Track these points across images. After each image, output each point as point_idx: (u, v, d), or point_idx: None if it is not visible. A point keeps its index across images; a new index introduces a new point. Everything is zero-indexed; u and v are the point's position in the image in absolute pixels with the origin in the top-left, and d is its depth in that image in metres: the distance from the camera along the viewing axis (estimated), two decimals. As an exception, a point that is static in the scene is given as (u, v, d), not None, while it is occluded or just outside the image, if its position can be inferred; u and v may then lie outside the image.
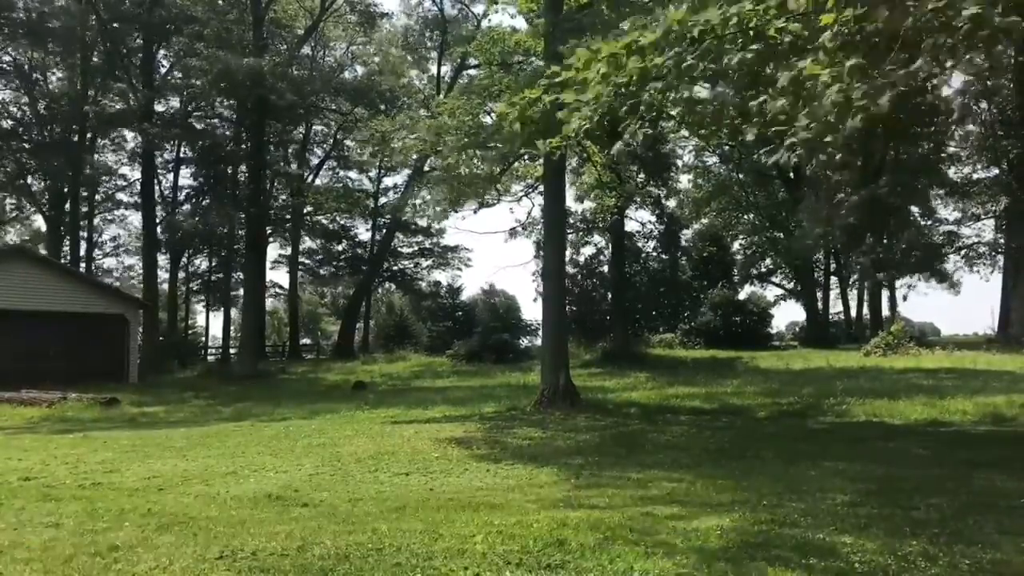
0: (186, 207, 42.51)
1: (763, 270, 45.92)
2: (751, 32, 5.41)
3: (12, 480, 7.83)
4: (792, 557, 4.57)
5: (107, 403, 18.89)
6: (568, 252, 28.02)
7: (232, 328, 43.66)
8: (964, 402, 13.87)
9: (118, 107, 33.46)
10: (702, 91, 6.53)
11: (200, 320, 53.73)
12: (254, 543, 4.98)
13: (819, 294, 43.23)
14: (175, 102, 37.75)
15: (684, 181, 42.24)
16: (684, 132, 27.88)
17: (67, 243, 38.24)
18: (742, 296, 37.77)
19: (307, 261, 49.01)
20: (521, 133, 7.12)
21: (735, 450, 9.56)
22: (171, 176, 42.34)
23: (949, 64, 4.90)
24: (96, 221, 43.44)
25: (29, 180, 38.19)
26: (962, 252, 40.49)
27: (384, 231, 45.70)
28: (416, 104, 38.14)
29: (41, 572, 4.46)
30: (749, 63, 5.34)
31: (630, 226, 32.34)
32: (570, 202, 29.72)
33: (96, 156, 39.73)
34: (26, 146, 36.50)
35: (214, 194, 40.73)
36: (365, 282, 45.54)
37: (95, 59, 35.90)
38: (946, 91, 30.72)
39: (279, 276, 56.80)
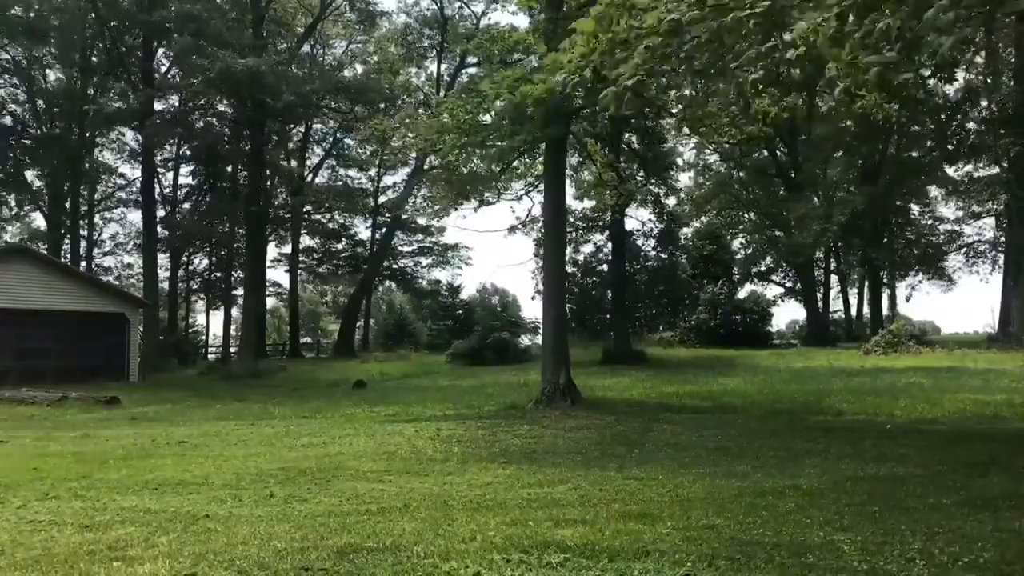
0: (186, 206, 42.52)
1: (763, 269, 45.92)
2: None
3: (13, 479, 7.83)
4: (791, 556, 4.56)
5: (107, 402, 18.90)
6: (568, 250, 28.01)
7: (232, 327, 43.70)
8: (964, 401, 13.88)
9: (117, 105, 33.42)
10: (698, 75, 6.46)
11: (200, 319, 53.82)
12: (255, 542, 4.98)
13: (819, 293, 43.22)
14: (175, 100, 37.77)
15: (684, 179, 42.25)
16: (685, 130, 27.84)
17: (67, 241, 38.27)
18: (742, 295, 37.78)
19: (307, 260, 49.01)
20: (501, 112, 7.12)
21: (735, 448, 9.55)
22: (171, 175, 42.37)
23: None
24: (96, 219, 43.47)
25: (29, 178, 38.18)
26: (963, 250, 40.52)
27: (384, 230, 45.68)
28: (415, 102, 38.15)
29: (41, 572, 4.46)
30: (757, 16, 5.19)
31: (630, 224, 32.34)
32: (570, 200, 29.75)
33: (96, 154, 39.76)
34: (25, 144, 36.50)
35: (214, 193, 40.74)
36: (365, 281, 45.52)
37: (94, 57, 35.87)
38: (947, 89, 30.67)
39: (279, 275, 56.85)
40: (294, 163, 41.44)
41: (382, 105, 34.64)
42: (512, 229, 29.64)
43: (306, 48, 40.12)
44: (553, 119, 14.06)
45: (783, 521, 5.49)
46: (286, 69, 30.72)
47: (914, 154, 36.76)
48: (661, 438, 10.63)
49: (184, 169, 42.07)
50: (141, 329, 29.38)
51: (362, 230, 48.25)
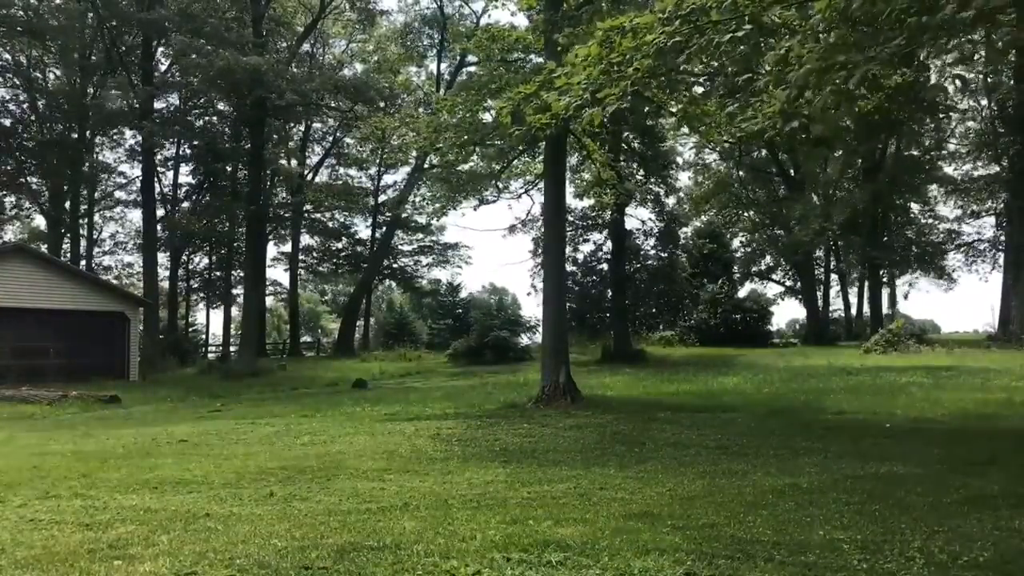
0: (186, 205, 42.49)
1: (763, 267, 45.95)
2: (745, 17, 5.44)
3: (13, 478, 7.83)
4: (791, 554, 4.57)
5: (107, 401, 18.93)
6: (568, 249, 27.99)
7: (232, 326, 43.69)
8: (964, 400, 13.88)
9: (117, 104, 33.38)
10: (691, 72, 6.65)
11: (200, 318, 53.81)
12: (255, 541, 4.98)
13: (819, 291, 43.24)
14: (174, 99, 37.76)
15: (684, 178, 42.29)
16: (684, 129, 27.83)
17: (67, 241, 38.24)
18: (742, 294, 37.81)
19: (307, 259, 49.02)
20: (510, 124, 7.22)
21: (735, 447, 9.55)
22: (171, 174, 42.36)
23: (951, 44, 5.00)
24: (96, 219, 43.45)
25: (28, 178, 38.15)
26: (962, 249, 40.54)
27: (384, 229, 45.71)
28: (415, 101, 38.16)
29: (41, 570, 4.46)
30: (740, 41, 5.36)
31: (630, 223, 32.35)
32: (570, 199, 29.70)
33: (95, 154, 39.73)
34: (25, 144, 36.47)
35: (214, 192, 40.72)
36: (365, 280, 45.56)
37: (94, 57, 35.84)
38: (947, 86, 30.66)
39: (279, 274, 56.89)
40: (294, 162, 41.44)
41: (382, 104, 34.65)
42: (512, 229, 29.65)
43: (306, 47, 40.11)
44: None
45: (783, 520, 5.50)
46: (286, 68, 30.71)
47: (914, 152, 36.78)
48: (661, 437, 10.63)
49: (184, 168, 42.08)
50: (141, 328, 29.39)
51: (362, 229, 48.36)
